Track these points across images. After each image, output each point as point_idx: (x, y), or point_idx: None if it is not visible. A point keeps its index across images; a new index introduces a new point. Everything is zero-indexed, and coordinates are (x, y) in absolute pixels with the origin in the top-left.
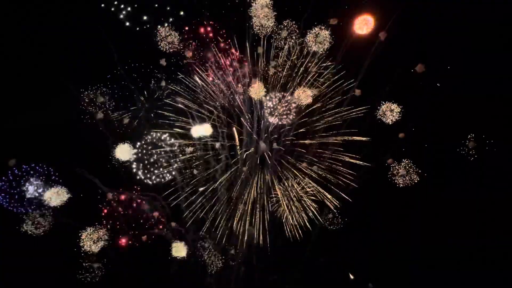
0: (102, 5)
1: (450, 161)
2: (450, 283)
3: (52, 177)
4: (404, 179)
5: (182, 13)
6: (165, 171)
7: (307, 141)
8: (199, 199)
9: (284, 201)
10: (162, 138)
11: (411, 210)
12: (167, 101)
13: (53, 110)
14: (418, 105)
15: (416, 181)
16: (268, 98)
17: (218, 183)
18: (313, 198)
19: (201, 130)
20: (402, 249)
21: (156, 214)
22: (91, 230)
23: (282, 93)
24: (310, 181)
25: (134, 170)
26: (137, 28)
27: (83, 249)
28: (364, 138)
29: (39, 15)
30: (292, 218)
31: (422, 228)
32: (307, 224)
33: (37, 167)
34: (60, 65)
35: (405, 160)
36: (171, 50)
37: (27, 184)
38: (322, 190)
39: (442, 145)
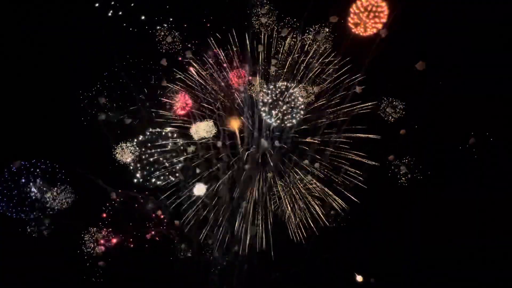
0: (96, 4)
1: (451, 160)
2: (449, 282)
3: (57, 175)
4: (406, 177)
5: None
6: (167, 173)
7: (308, 139)
8: (201, 198)
9: (286, 198)
10: (163, 134)
11: (411, 209)
12: (167, 100)
13: (53, 111)
14: (419, 102)
15: (418, 178)
16: (268, 96)
17: (220, 182)
18: (316, 195)
19: (203, 130)
20: (402, 247)
21: (159, 213)
22: (95, 231)
23: (285, 84)
24: (313, 178)
25: (135, 171)
26: (135, 30)
27: (86, 251)
28: (373, 136)
29: (39, 15)
30: (295, 216)
31: (422, 227)
32: (310, 221)
33: (39, 163)
34: (60, 66)
35: (406, 158)
36: (171, 51)
37: (30, 183)
38: (324, 188)
39: (442, 144)
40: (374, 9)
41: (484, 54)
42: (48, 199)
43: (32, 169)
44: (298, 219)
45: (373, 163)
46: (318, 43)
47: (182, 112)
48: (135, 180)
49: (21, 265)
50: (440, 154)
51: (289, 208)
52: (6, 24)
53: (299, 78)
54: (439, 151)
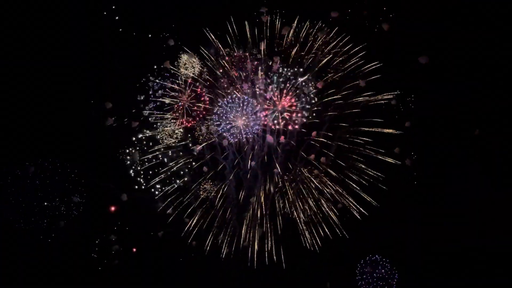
0: (90, 7)
1: (451, 160)
2: (449, 283)
3: (67, 179)
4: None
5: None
6: (173, 177)
7: (313, 134)
8: (209, 197)
9: (294, 196)
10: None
11: (411, 209)
12: (165, 101)
13: (56, 115)
14: (422, 100)
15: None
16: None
17: (226, 180)
18: (326, 191)
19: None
20: (402, 247)
21: (169, 212)
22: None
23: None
24: (320, 173)
25: (143, 173)
26: (134, 33)
27: (98, 254)
28: (395, 131)
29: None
30: (303, 213)
31: (422, 227)
32: (320, 218)
33: (46, 163)
34: (62, 68)
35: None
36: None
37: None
38: (332, 184)
39: (442, 144)
40: None
41: (484, 53)
42: (58, 205)
43: (38, 172)
44: (307, 218)
45: (398, 162)
46: (321, 39)
47: (189, 124)
48: (143, 182)
49: (33, 269)
50: (440, 153)
51: (297, 206)
52: (7, 26)
53: (302, 72)
54: (439, 151)
